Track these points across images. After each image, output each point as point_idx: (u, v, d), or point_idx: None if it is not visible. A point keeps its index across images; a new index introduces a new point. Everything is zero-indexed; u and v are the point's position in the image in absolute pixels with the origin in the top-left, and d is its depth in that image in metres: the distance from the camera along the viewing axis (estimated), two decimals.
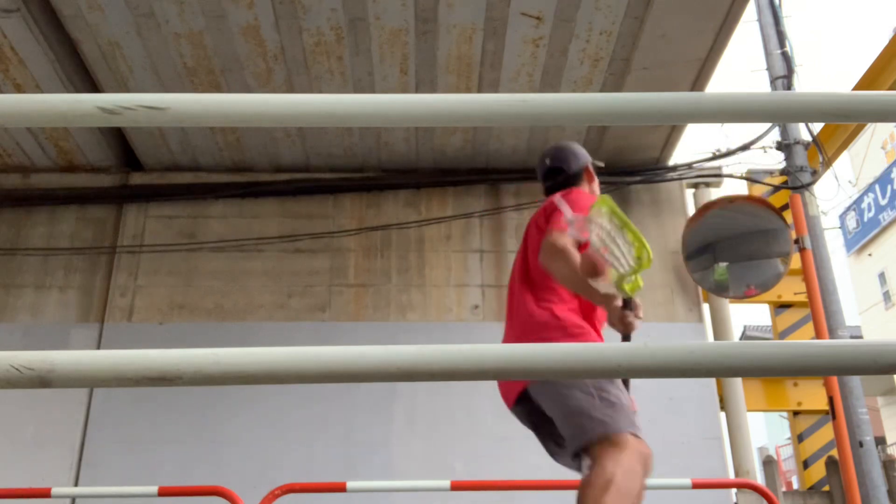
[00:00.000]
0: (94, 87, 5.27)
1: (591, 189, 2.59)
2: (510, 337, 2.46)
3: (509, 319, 2.49)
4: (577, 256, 2.09)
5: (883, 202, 17.97)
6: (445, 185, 6.19)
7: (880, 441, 16.31)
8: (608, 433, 1.96)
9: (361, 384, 5.41)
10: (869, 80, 5.59)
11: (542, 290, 2.33)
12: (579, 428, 2.01)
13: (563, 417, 2.08)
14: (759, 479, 5.91)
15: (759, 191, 6.21)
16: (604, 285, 1.92)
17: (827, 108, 0.99)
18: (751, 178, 6.26)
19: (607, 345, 0.92)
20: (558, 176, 2.53)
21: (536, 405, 2.24)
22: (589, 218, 1.87)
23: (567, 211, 2.06)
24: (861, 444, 5.17)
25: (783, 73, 6.29)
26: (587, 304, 2.30)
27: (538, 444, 2.51)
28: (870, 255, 19.13)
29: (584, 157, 2.56)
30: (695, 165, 6.29)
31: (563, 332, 2.20)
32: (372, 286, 5.89)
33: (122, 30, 4.80)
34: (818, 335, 5.00)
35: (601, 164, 2.63)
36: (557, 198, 2.27)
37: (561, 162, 2.52)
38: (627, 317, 2.14)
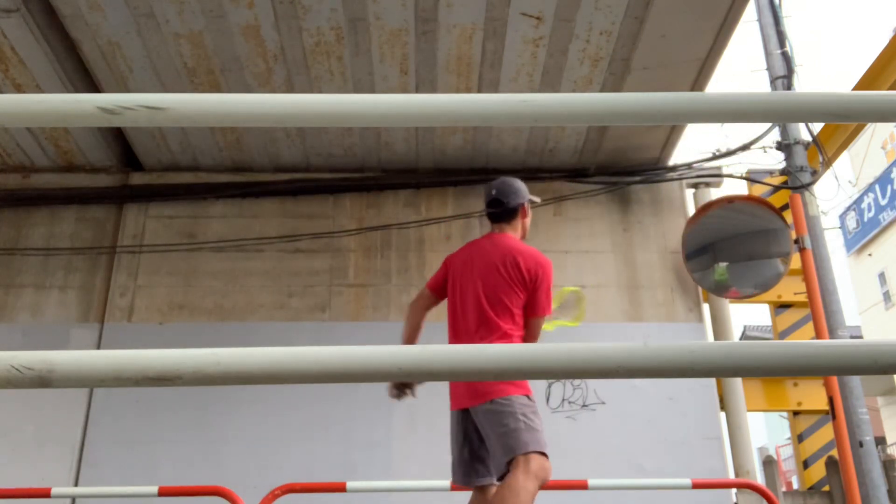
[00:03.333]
0: (94, 87, 5.27)
1: (524, 223, 3.05)
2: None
3: (462, 332, 2.90)
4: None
5: (883, 202, 17.97)
6: (445, 185, 6.19)
7: (880, 441, 16.30)
8: (527, 452, 2.55)
9: (361, 384, 5.41)
10: (869, 80, 5.59)
11: (505, 324, 2.83)
12: (508, 446, 2.57)
13: (496, 437, 2.61)
14: (759, 479, 5.92)
15: (759, 191, 6.21)
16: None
17: (827, 108, 0.99)
18: (751, 178, 6.26)
19: (607, 345, 0.92)
20: (497, 207, 2.97)
21: (473, 422, 2.76)
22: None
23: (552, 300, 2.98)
24: (861, 444, 5.17)
25: (783, 73, 6.29)
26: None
27: None
28: (870, 255, 19.12)
29: (524, 195, 3.01)
30: (695, 165, 6.29)
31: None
32: (372, 286, 5.89)
33: (122, 30, 4.80)
34: (818, 335, 4.99)
35: (537, 200, 3.10)
36: (543, 277, 2.87)
37: (504, 196, 2.96)
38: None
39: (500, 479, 2.61)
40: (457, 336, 2.91)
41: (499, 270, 2.84)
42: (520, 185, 3.00)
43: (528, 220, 3.08)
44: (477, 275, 2.89)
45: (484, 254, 2.92)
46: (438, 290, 3.07)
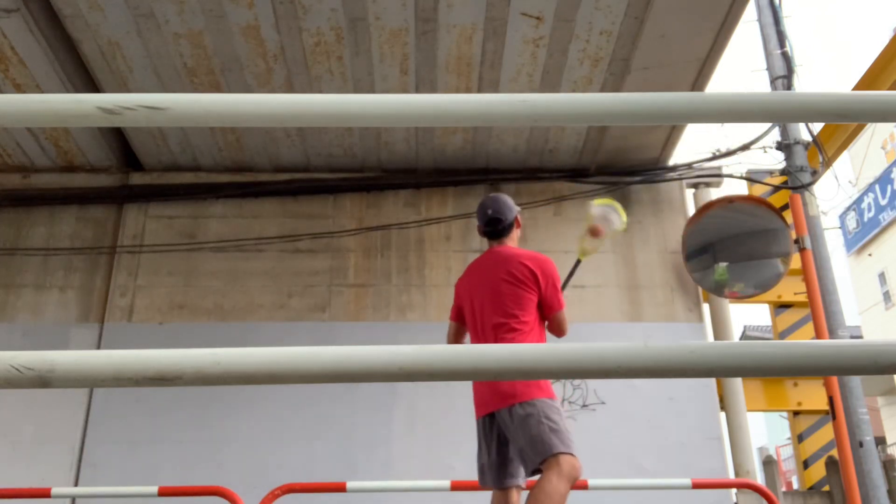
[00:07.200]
0: (94, 87, 5.27)
1: (518, 234, 3.27)
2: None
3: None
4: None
5: (883, 202, 17.97)
6: (445, 185, 6.19)
7: (880, 441, 16.31)
8: (555, 453, 2.68)
9: (361, 384, 5.41)
10: (869, 80, 5.59)
11: (516, 324, 2.98)
12: (537, 449, 2.70)
13: (524, 441, 2.75)
14: (759, 479, 5.92)
15: (759, 191, 6.21)
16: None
17: (827, 108, 0.99)
18: (751, 178, 6.26)
19: (607, 345, 0.92)
20: (497, 225, 3.16)
21: (499, 425, 2.91)
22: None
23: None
24: (861, 444, 5.17)
25: (783, 73, 6.29)
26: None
27: None
28: (870, 255, 19.12)
29: (515, 208, 3.25)
30: (695, 165, 6.29)
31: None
32: (372, 286, 5.89)
33: (122, 30, 4.80)
34: (818, 335, 5.00)
35: (519, 209, 3.36)
36: (550, 274, 3.06)
37: (501, 214, 3.17)
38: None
39: (534, 473, 2.76)
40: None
41: (507, 280, 3.02)
42: (508, 198, 3.26)
43: (520, 231, 3.34)
44: (485, 293, 3.06)
45: (488, 269, 3.10)
46: (460, 318, 3.25)
